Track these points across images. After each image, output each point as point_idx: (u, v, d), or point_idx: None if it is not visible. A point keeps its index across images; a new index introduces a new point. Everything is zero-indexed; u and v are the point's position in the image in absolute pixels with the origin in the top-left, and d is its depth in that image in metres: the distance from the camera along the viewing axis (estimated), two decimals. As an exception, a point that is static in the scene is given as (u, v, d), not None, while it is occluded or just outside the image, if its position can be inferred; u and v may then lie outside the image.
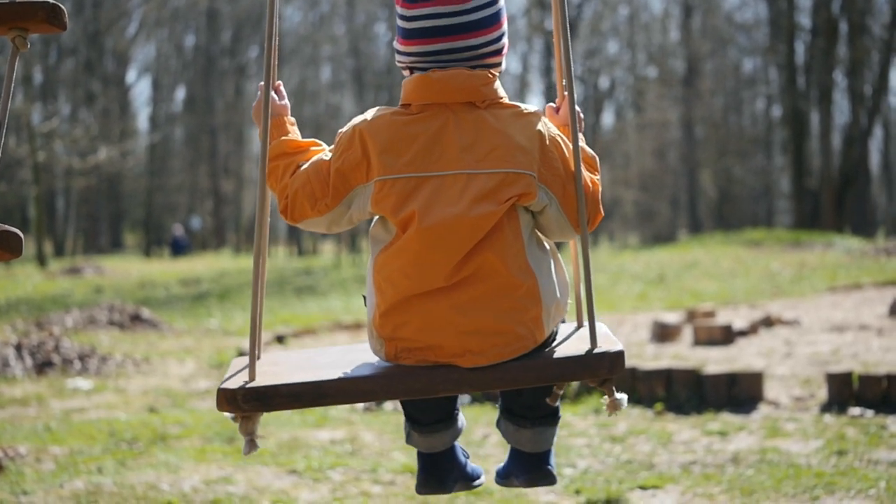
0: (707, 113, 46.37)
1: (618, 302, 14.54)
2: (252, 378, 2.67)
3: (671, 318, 10.84)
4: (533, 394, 2.89)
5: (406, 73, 2.82)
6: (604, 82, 49.37)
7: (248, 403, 2.57)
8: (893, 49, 34.56)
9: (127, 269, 26.70)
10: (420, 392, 2.63)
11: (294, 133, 2.94)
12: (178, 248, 38.30)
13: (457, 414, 3.00)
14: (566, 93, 2.84)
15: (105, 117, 41.48)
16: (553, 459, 3.01)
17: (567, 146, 2.77)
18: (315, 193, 2.78)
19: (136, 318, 13.61)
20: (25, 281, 22.12)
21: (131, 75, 59.61)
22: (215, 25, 48.08)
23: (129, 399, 8.12)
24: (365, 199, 2.74)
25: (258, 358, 2.86)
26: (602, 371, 2.64)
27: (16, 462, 5.82)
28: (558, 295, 2.77)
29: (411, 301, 2.68)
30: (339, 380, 2.61)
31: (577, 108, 2.79)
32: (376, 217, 2.77)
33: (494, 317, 2.66)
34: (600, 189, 2.86)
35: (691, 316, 11.11)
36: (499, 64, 2.80)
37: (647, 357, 8.73)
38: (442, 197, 2.68)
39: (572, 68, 2.78)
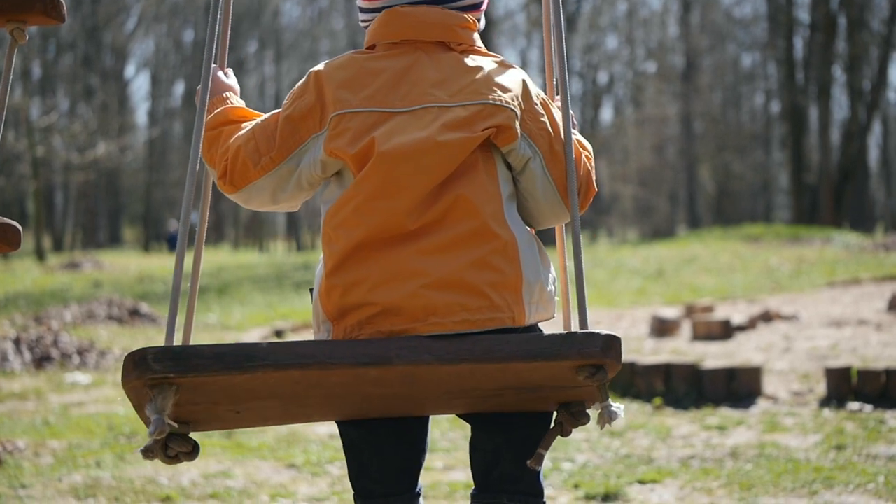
0: (706, 108, 46.38)
1: (616, 297, 14.53)
2: (170, 342, 2.28)
3: (670, 312, 10.84)
4: (513, 458, 2.43)
5: None
6: (602, 77, 49.43)
7: (159, 363, 2.12)
8: (892, 44, 34.57)
9: (125, 263, 26.70)
10: (371, 360, 2.15)
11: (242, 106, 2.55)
12: (174, 244, 38.27)
13: (419, 493, 2.52)
14: (559, 94, 2.49)
15: (104, 112, 41.49)
16: None
17: (557, 112, 2.44)
18: (259, 148, 2.37)
19: (134, 313, 13.61)
20: (24, 275, 22.11)
21: (130, 70, 59.67)
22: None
23: (127, 393, 8.12)
24: (317, 149, 2.33)
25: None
26: (594, 351, 2.18)
27: (14, 456, 5.82)
28: (542, 277, 2.34)
29: (368, 252, 2.26)
30: (272, 343, 2.18)
31: (571, 111, 2.46)
32: (329, 181, 2.40)
33: (467, 269, 2.24)
34: (594, 167, 2.50)
35: (690, 311, 11.11)
36: (478, 20, 2.48)
37: (645, 352, 8.73)
38: (408, 127, 2.29)
39: (565, 61, 2.46)
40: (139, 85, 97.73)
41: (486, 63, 2.41)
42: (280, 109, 2.40)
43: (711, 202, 48.61)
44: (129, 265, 25.82)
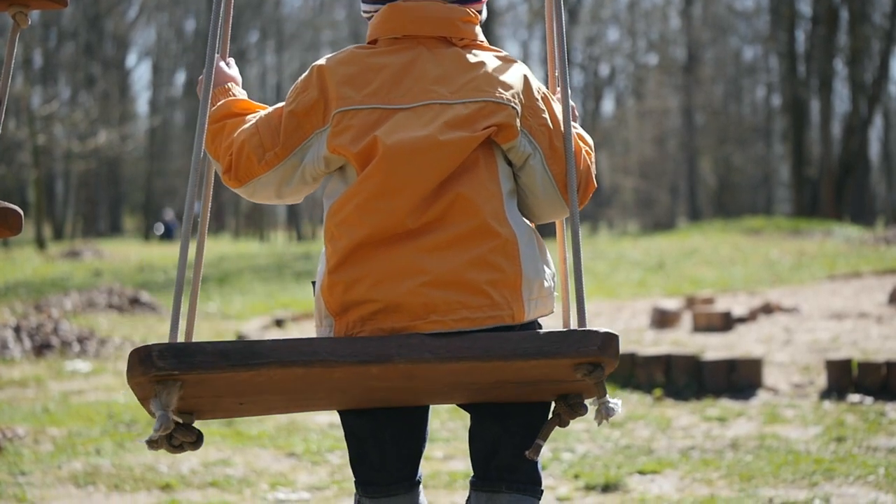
0: (707, 101, 46.31)
1: (617, 288, 14.53)
2: (174, 338, 2.34)
3: (670, 304, 10.83)
4: (512, 448, 2.44)
5: None
6: (604, 70, 49.36)
7: (163, 360, 2.17)
8: (894, 38, 34.51)
9: (126, 252, 26.68)
10: (372, 358, 2.20)
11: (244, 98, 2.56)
12: (168, 234, 38.25)
13: (419, 482, 2.55)
14: (559, 87, 2.49)
15: (105, 101, 41.45)
16: None
17: (558, 106, 2.45)
18: (263, 144, 2.38)
19: (134, 302, 13.59)
20: (24, 264, 22.10)
21: (131, 59, 59.55)
22: (215, 10, 47.94)
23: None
24: (321, 145, 2.36)
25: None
26: (591, 350, 2.20)
27: (14, 443, 5.82)
28: (542, 275, 2.37)
29: (369, 250, 2.28)
30: (276, 340, 2.24)
31: (572, 103, 2.47)
32: (332, 176, 2.41)
33: (467, 268, 2.26)
34: (594, 162, 2.51)
35: (690, 302, 11.10)
36: (479, 11, 2.49)
37: (646, 343, 8.73)
38: (410, 125, 2.31)
39: (566, 55, 2.46)
40: (140, 74, 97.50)
41: (488, 58, 2.42)
42: (283, 104, 2.42)
43: (712, 195, 48.55)
44: (130, 254, 25.80)
